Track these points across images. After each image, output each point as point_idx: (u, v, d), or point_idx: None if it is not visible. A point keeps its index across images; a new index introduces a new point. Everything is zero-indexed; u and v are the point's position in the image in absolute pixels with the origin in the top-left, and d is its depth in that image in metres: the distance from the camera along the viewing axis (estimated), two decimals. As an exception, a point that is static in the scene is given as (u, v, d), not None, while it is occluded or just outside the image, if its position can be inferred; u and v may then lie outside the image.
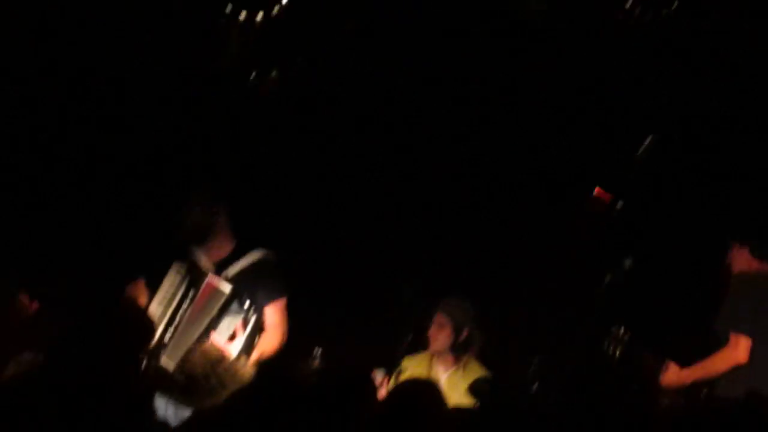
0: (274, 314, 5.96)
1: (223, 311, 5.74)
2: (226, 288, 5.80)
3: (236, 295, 5.80)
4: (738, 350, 5.75)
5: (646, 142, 6.27)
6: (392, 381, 6.09)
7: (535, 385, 5.77)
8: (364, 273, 7.29)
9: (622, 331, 5.69)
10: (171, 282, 5.97)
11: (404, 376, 6.15)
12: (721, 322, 5.83)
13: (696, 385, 5.79)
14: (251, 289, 5.93)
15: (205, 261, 6.07)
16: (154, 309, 5.84)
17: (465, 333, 6.53)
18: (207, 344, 5.52)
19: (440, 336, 6.54)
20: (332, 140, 7.16)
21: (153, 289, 6.02)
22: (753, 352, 5.76)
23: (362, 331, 7.14)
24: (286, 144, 7.17)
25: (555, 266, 7.00)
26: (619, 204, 6.28)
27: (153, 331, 4.57)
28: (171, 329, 5.74)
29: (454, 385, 6.29)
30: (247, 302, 5.80)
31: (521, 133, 6.95)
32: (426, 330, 6.59)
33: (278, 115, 7.07)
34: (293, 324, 6.96)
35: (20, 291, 5.71)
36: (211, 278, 5.89)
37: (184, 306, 5.86)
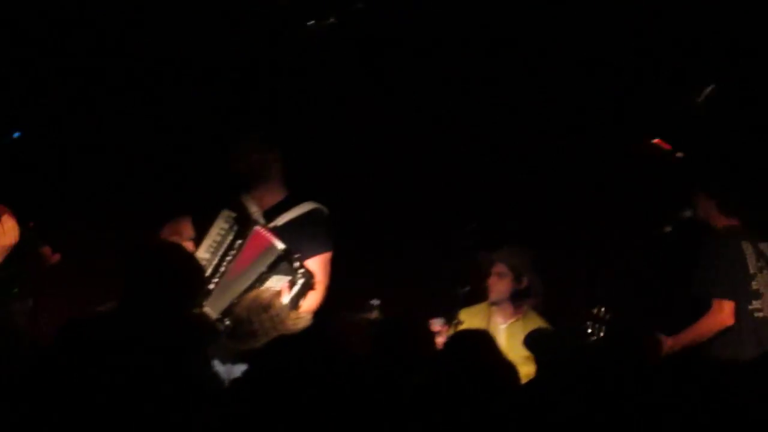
0: (317, 268, 5.89)
1: (273, 268, 5.69)
2: (280, 245, 5.78)
3: (288, 254, 5.80)
4: (723, 314, 5.74)
5: (707, 91, 6.18)
6: (450, 332, 6.10)
7: (594, 338, 5.74)
8: (420, 223, 7.27)
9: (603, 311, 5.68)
10: (219, 229, 5.92)
11: (462, 327, 6.17)
12: (700, 286, 5.82)
13: (686, 351, 5.77)
14: (298, 240, 5.89)
15: (254, 208, 6.02)
16: (201, 255, 5.81)
17: (525, 282, 6.51)
18: (260, 289, 5.50)
19: (500, 285, 6.52)
20: (388, 87, 7.11)
21: (198, 230, 5.99)
22: (737, 312, 5.77)
23: (419, 283, 7.14)
24: (343, 92, 7.13)
25: (614, 215, 6.94)
26: (679, 154, 6.20)
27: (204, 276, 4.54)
28: (216, 278, 5.69)
29: (513, 336, 6.29)
30: (297, 264, 5.77)
31: (581, 79, 6.88)
32: (484, 280, 6.59)
33: (336, 61, 7.02)
34: (351, 276, 7.02)
35: (42, 242, 5.79)
36: (259, 229, 5.86)
37: (231, 255, 5.84)
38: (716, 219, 5.97)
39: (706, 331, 5.75)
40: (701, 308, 5.87)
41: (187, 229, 6.03)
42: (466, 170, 7.20)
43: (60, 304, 6.79)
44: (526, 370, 4.98)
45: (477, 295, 6.59)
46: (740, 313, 5.81)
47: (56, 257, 5.75)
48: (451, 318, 6.20)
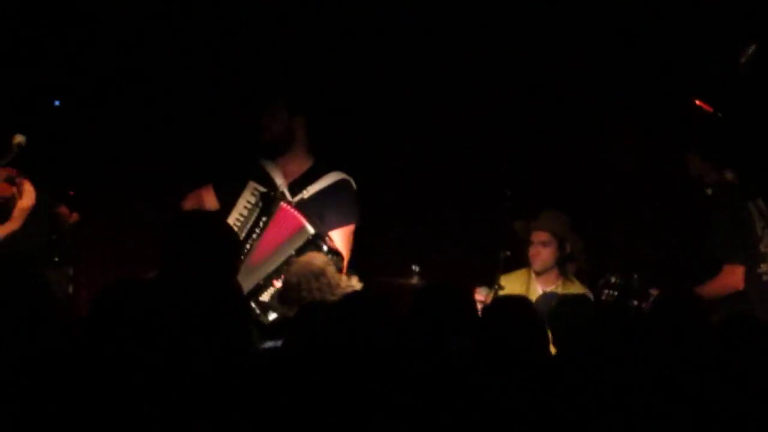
0: (340, 240, 5.89)
1: (302, 252, 5.66)
2: (311, 229, 5.75)
3: (318, 238, 5.76)
4: (734, 278, 5.73)
5: (749, 52, 6.10)
6: (491, 297, 6.09)
7: (633, 302, 5.72)
8: (460, 188, 7.25)
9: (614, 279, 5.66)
10: (245, 202, 5.91)
11: (502, 293, 6.15)
12: (712, 250, 5.80)
13: None
14: (323, 211, 5.90)
15: (280, 179, 6.02)
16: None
17: (568, 247, 6.48)
18: (312, 255, 5.47)
19: (544, 254, 6.45)
20: (417, 55, 7.06)
21: (222, 200, 5.99)
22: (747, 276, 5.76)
23: (460, 248, 7.13)
24: (373, 57, 7.09)
25: (651, 181, 6.90)
26: (719, 116, 6.14)
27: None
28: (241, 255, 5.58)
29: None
30: (326, 247, 5.72)
31: (620, 43, 6.82)
32: (523, 247, 6.56)
33: (365, 29, 6.99)
34: (393, 242, 7.02)
35: (58, 203, 5.81)
36: (286, 207, 5.83)
37: (256, 233, 5.81)
38: (710, 175, 5.90)
39: (716, 294, 5.69)
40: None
41: (211, 200, 6.03)
42: (503, 136, 7.16)
43: (97, 273, 6.85)
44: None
45: (517, 261, 6.57)
46: (749, 277, 5.77)
47: (74, 216, 5.79)
48: (491, 284, 6.18)
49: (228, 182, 6.04)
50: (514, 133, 7.13)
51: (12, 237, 5.53)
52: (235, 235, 4.26)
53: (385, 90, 7.15)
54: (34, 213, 5.58)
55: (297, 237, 5.78)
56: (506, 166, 6.30)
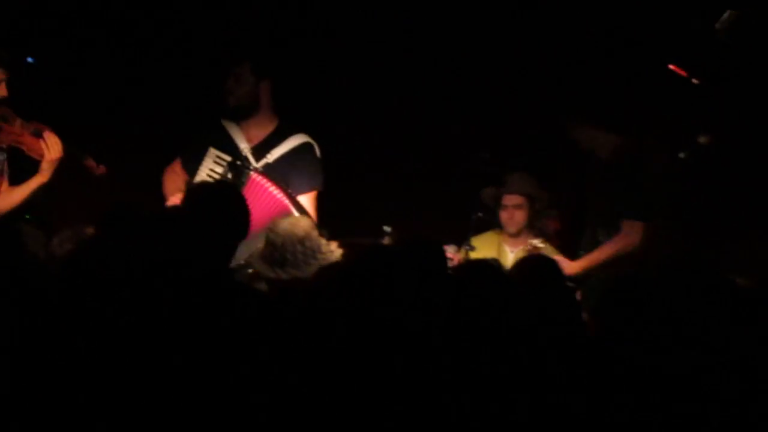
0: (307, 204, 5.89)
1: None
2: (296, 213, 5.71)
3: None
4: (634, 235, 5.72)
5: (724, 17, 6.10)
6: (462, 257, 6.10)
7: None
8: (433, 149, 7.24)
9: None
10: (209, 170, 5.88)
11: (473, 255, 6.17)
12: (614, 207, 5.81)
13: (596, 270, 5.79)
14: (288, 176, 5.88)
15: (243, 142, 5.99)
16: None
17: (539, 208, 6.52)
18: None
19: (518, 217, 6.52)
20: (387, 14, 7.03)
21: (189, 171, 5.97)
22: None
23: (432, 209, 7.13)
24: (340, 17, 7.04)
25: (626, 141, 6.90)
26: (694, 81, 6.15)
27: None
28: None
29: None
30: None
31: (594, 5, 6.81)
32: (496, 209, 6.58)
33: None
34: (364, 204, 7.01)
35: (87, 155, 5.78)
36: (258, 180, 5.79)
37: None
38: (606, 142, 5.91)
39: (617, 252, 5.71)
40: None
41: (182, 171, 6.00)
42: (477, 97, 7.15)
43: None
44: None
45: (488, 222, 6.59)
46: (647, 233, 5.79)
47: (102, 169, 5.76)
48: (462, 244, 6.20)
49: (192, 152, 5.99)
50: (488, 94, 7.11)
51: (41, 190, 5.51)
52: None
53: (354, 51, 7.12)
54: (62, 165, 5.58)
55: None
56: (486, 153, 6.26)
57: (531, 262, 4.65)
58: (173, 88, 6.94)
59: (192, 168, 5.95)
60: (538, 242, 6.21)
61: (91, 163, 5.78)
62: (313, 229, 5.14)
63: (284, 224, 5.02)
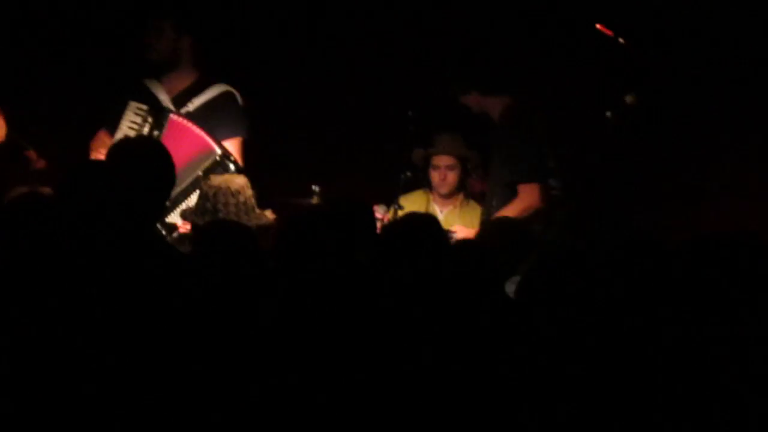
0: (231, 152, 5.83)
1: (211, 172, 5.57)
2: (218, 150, 5.68)
3: (227, 158, 5.70)
4: (533, 197, 5.74)
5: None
6: (390, 218, 6.10)
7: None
8: (357, 109, 7.22)
9: None
10: (129, 122, 5.81)
11: (402, 214, 6.17)
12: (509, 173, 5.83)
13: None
14: (210, 124, 5.80)
15: (163, 95, 5.93)
16: None
17: (470, 168, 6.54)
18: (233, 175, 5.42)
19: (450, 178, 6.55)
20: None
21: (110, 125, 5.88)
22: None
23: (360, 169, 7.12)
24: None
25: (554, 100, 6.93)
26: (620, 41, 6.18)
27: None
28: None
29: (450, 224, 6.29)
30: (232, 166, 5.66)
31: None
32: (425, 169, 6.59)
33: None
34: (291, 163, 6.98)
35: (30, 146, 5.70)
36: (178, 120, 5.74)
37: None
38: (494, 106, 5.96)
39: (516, 215, 5.70)
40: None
41: (106, 138, 5.90)
42: (406, 55, 7.13)
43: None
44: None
45: (416, 181, 6.60)
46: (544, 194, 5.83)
47: (42, 163, 5.68)
48: (391, 204, 6.20)
49: (114, 115, 5.92)
50: (418, 53, 7.09)
51: None
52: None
53: (282, 7, 7.06)
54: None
55: (204, 157, 5.70)
56: (414, 113, 6.25)
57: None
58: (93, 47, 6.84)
59: (113, 126, 5.88)
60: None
61: (32, 154, 5.70)
62: (248, 188, 5.13)
63: (220, 178, 5.03)
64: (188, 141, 5.72)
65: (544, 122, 5.92)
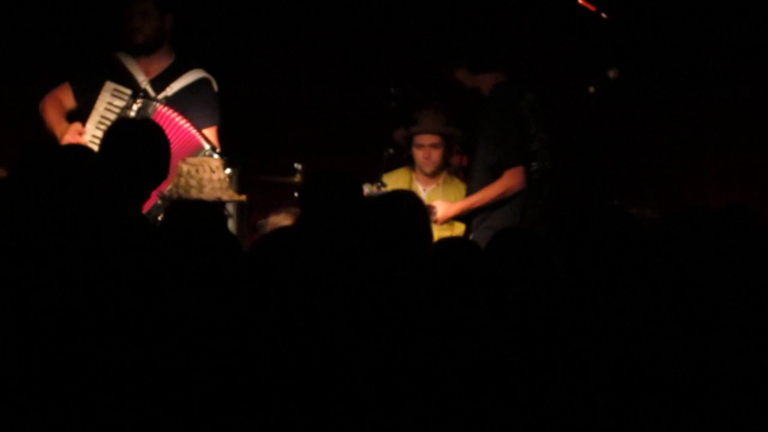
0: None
1: None
2: (206, 145, 5.65)
3: (213, 151, 5.65)
4: (516, 179, 5.74)
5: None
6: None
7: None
8: (338, 87, 7.18)
9: None
10: (107, 104, 5.76)
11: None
12: (493, 154, 5.82)
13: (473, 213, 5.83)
14: (186, 109, 5.78)
15: (141, 75, 5.87)
16: (92, 132, 5.68)
17: (456, 147, 6.53)
18: (209, 157, 5.39)
19: (434, 156, 6.52)
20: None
21: (79, 98, 5.84)
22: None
23: (341, 147, 7.09)
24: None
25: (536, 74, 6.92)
26: (603, 15, 6.16)
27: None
28: None
29: (433, 201, 6.28)
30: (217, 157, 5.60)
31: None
32: (408, 147, 6.57)
33: None
34: (273, 141, 6.95)
35: None
36: (165, 113, 5.69)
37: None
38: (484, 82, 5.94)
39: (500, 195, 5.74)
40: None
41: (68, 100, 5.86)
42: (387, 33, 7.10)
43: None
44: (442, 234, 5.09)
45: (400, 160, 6.58)
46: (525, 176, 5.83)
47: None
48: (374, 181, 6.18)
49: (85, 80, 5.86)
50: (399, 30, 7.07)
51: None
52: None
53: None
54: None
55: (192, 153, 5.63)
56: (398, 89, 6.22)
57: None
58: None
59: (84, 99, 5.83)
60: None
61: None
62: (223, 169, 5.13)
63: (196, 159, 5.02)
64: (177, 135, 5.67)
65: (532, 101, 5.90)
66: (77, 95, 5.85)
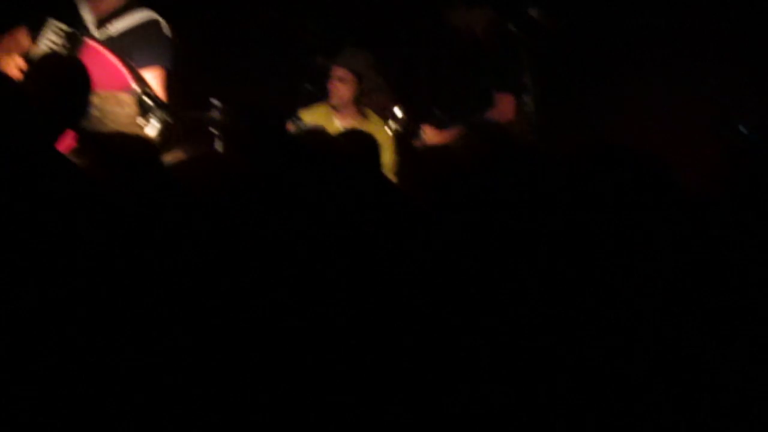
0: (152, 82, 5.66)
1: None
2: (136, 87, 5.44)
3: (147, 96, 5.51)
4: (506, 108, 5.85)
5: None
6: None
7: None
8: (262, 20, 7.11)
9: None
10: (47, 41, 5.60)
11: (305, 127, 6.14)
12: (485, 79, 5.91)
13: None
14: (131, 50, 5.65)
15: (88, 14, 5.73)
16: None
17: (364, 84, 6.52)
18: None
19: (341, 90, 6.54)
20: None
21: (33, 39, 5.65)
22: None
23: (261, 82, 7.03)
24: None
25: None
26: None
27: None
28: None
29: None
30: (152, 103, 5.51)
31: None
32: (325, 82, 6.56)
33: None
34: (194, 76, 6.84)
35: None
36: (95, 47, 5.55)
37: None
38: (478, 20, 5.95)
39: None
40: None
41: (24, 40, 5.72)
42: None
43: None
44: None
45: (319, 96, 6.56)
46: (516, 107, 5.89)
47: None
48: (292, 117, 6.16)
49: (38, 22, 5.72)
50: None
51: None
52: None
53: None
54: None
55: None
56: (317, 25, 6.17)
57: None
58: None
59: (35, 40, 5.71)
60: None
61: None
62: (134, 105, 5.06)
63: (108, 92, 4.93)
64: (101, 71, 5.53)
65: (522, 38, 5.92)
66: (32, 37, 5.71)
